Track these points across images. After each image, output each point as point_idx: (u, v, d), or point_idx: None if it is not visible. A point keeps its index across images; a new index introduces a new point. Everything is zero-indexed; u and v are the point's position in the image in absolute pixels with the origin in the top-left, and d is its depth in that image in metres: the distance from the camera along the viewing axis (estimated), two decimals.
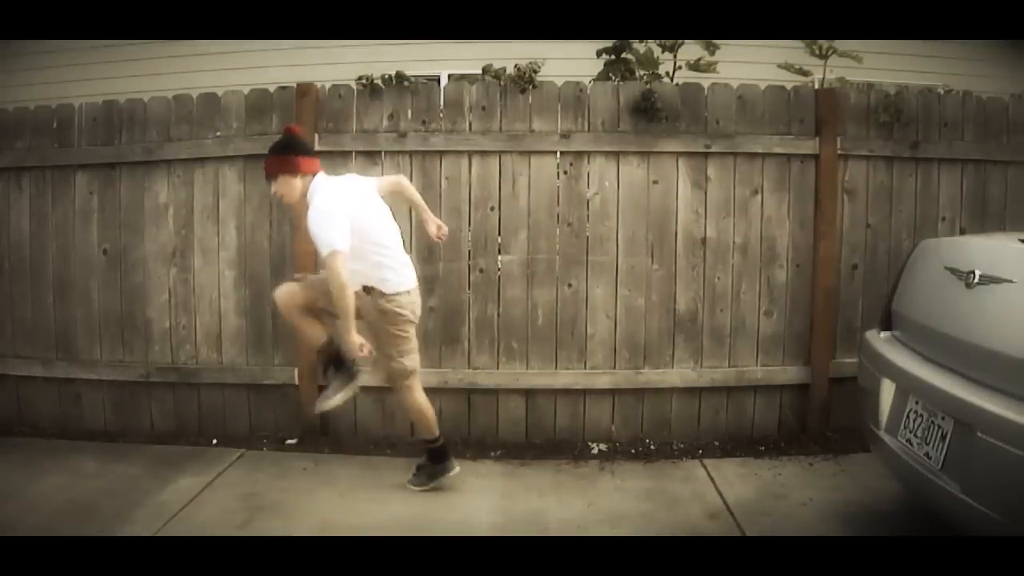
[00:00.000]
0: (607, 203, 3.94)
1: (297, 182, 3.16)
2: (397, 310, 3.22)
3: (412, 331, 3.33)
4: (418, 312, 3.36)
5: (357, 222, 3.09)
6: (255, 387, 4.09)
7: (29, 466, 3.64)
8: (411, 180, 3.92)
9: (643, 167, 3.94)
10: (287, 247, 4.01)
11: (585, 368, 3.98)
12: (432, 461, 3.43)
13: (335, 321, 3.17)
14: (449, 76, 6.00)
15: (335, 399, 3.30)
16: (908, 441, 2.58)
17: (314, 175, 3.19)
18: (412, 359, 3.34)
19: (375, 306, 3.22)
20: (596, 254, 3.96)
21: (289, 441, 4.02)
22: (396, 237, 3.32)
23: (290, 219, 3.98)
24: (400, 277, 3.25)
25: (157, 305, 4.12)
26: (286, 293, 3.30)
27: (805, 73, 4.56)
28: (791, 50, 4.71)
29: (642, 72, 4.36)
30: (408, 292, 3.27)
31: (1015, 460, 2.04)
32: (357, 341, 3.09)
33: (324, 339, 3.32)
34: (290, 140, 3.26)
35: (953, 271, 2.58)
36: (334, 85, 4.01)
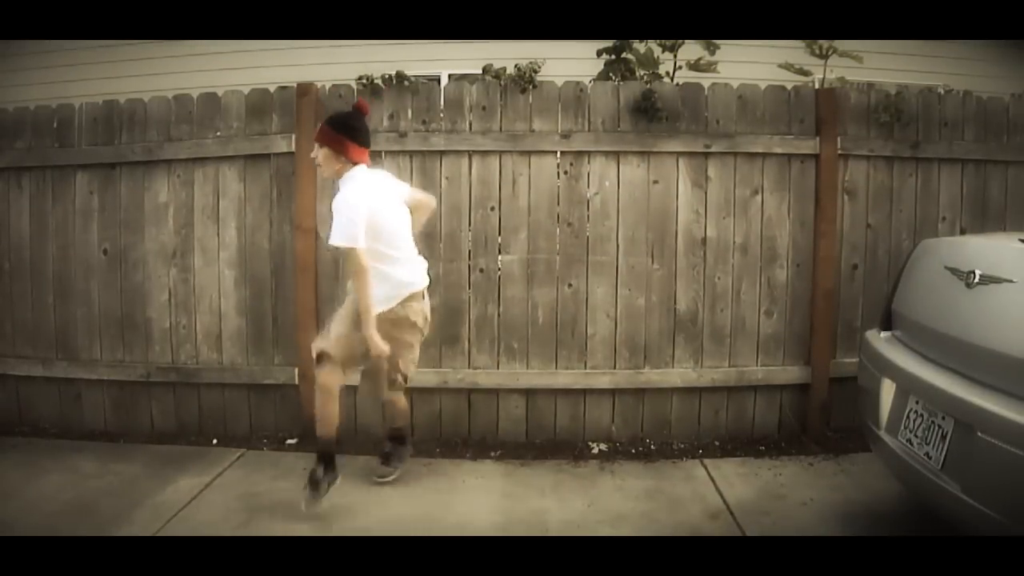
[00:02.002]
0: (607, 203, 3.94)
1: (336, 163, 3.17)
2: (407, 315, 3.24)
3: (417, 341, 3.36)
4: (426, 318, 3.36)
5: (373, 219, 3.09)
6: (255, 387, 4.09)
7: (29, 466, 3.64)
8: (411, 180, 3.93)
9: (643, 167, 3.94)
10: (287, 247, 4.01)
11: (585, 368, 3.98)
12: (402, 444, 3.59)
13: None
14: (449, 76, 6.00)
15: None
16: (908, 441, 2.58)
17: (355, 164, 3.19)
18: (412, 370, 3.42)
19: (386, 315, 3.19)
20: (596, 254, 3.96)
21: (289, 441, 4.02)
22: (409, 241, 3.32)
23: (290, 218, 3.99)
24: (409, 278, 3.26)
25: (157, 305, 4.12)
26: (328, 374, 3.21)
27: (805, 73, 4.57)
28: (791, 50, 4.71)
29: (642, 72, 4.36)
30: (413, 296, 3.27)
31: (1015, 460, 2.04)
32: (377, 339, 3.08)
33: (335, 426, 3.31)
34: (348, 120, 3.22)
35: (953, 271, 2.58)
36: (334, 85, 4.01)
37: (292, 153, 3.95)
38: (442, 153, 3.93)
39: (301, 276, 3.97)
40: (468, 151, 3.94)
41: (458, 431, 4.00)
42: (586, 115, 3.93)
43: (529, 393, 4.00)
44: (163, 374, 4.11)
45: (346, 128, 3.17)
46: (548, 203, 3.96)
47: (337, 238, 3.03)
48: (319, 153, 3.18)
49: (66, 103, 4.17)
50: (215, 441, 4.05)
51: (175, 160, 4.05)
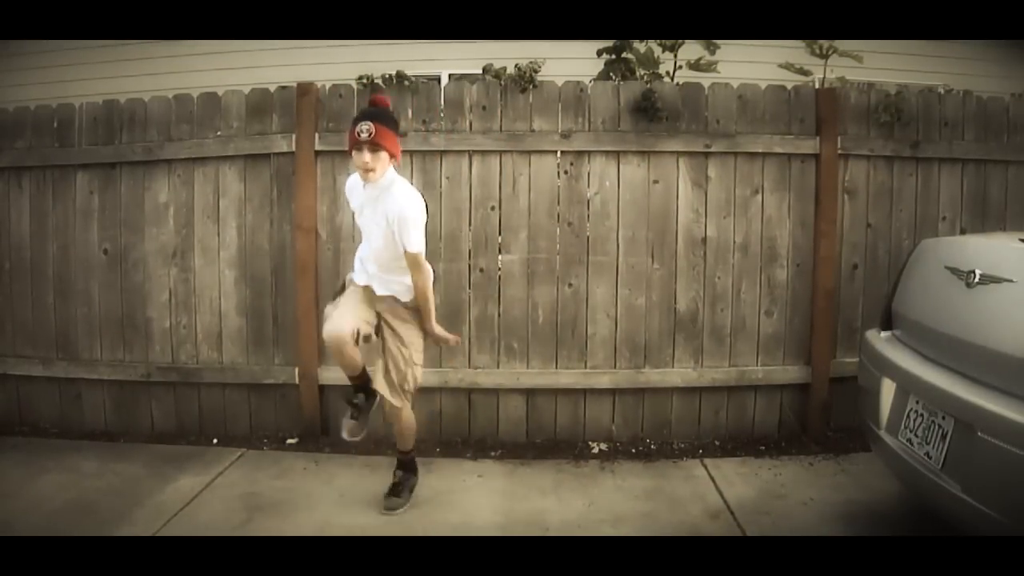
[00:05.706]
0: (607, 203, 3.94)
1: (386, 164, 2.90)
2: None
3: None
4: None
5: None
6: (255, 387, 4.09)
7: (29, 465, 3.65)
8: (411, 180, 3.91)
9: (643, 167, 3.94)
10: (287, 247, 4.01)
11: (585, 368, 3.98)
12: (410, 472, 3.35)
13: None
14: (449, 76, 6.00)
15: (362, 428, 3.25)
16: (908, 441, 2.58)
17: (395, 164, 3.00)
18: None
19: (404, 310, 3.17)
20: (596, 254, 3.96)
21: (289, 441, 4.02)
22: None
23: (290, 218, 3.99)
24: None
25: (157, 305, 4.12)
26: (339, 334, 3.00)
27: (805, 73, 4.57)
28: (791, 50, 4.72)
29: (642, 72, 4.36)
30: None
31: (1015, 460, 2.04)
32: (439, 329, 3.19)
33: (360, 369, 3.20)
34: (394, 117, 3.01)
35: (953, 271, 2.58)
36: (334, 85, 4.00)
37: (292, 153, 3.95)
38: (442, 153, 3.93)
39: (301, 276, 3.97)
40: (468, 151, 3.93)
41: (458, 431, 4.00)
42: (586, 115, 3.93)
43: (529, 393, 4.00)
44: (163, 374, 4.11)
45: (396, 125, 2.97)
46: (548, 203, 3.96)
47: (415, 245, 2.94)
48: (375, 159, 2.84)
49: (66, 103, 4.17)
50: (215, 441, 4.05)
51: (175, 160, 4.05)
